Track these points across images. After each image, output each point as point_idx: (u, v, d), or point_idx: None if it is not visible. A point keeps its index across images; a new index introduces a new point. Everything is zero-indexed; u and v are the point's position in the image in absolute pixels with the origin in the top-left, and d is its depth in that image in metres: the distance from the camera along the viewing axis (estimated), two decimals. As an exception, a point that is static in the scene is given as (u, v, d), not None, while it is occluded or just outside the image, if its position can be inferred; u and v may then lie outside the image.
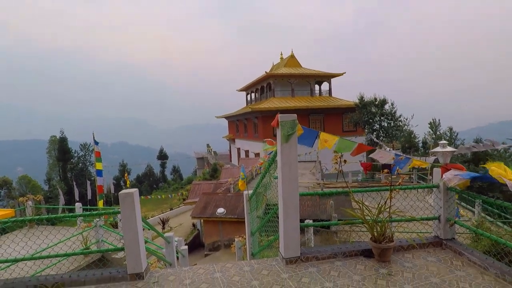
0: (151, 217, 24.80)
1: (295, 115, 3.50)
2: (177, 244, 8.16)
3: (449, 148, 3.59)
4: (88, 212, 5.79)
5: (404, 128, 28.18)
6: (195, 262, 15.30)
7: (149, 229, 5.11)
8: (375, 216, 3.40)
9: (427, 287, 2.82)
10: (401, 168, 3.43)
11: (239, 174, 5.88)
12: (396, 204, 3.53)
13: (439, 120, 30.38)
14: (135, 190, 3.44)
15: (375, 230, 3.40)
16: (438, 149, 3.64)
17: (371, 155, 3.51)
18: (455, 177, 3.14)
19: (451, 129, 28.95)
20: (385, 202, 3.47)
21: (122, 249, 3.49)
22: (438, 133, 29.11)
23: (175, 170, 61.99)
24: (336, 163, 3.51)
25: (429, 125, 30.36)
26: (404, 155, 3.56)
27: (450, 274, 3.05)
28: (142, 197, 26.60)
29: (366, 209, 3.40)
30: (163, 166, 60.71)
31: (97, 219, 7.97)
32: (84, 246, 7.61)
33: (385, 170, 3.32)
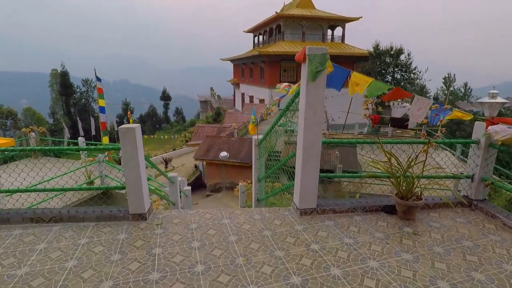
0: (154, 156, 25.08)
1: (326, 48, 2.95)
2: (180, 184, 8.08)
3: (499, 99, 3.07)
4: (87, 147, 5.51)
5: (416, 82, 26.89)
6: (197, 201, 15.72)
7: (151, 168, 4.90)
8: (404, 171, 3.05)
9: (459, 251, 2.54)
10: (443, 118, 2.98)
11: (249, 118, 5.44)
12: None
13: (454, 75, 28.86)
14: (137, 125, 3.05)
15: (402, 186, 3.07)
16: (485, 99, 3.14)
17: (412, 105, 3.04)
18: (507, 130, 2.69)
19: (466, 84, 27.59)
20: (417, 156, 3.10)
21: (124, 187, 3.22)
22: (451, 89, 27.84)
23: (178, 112, 61.64)
24: (367, 109, 3.05)
25: (444, 80, 28.94)
26: (449, 105, 3.07)
27: (483, 238, 2.76)
28: (145, 136, 26.60)
29: (396, 160, 3.02)
30: (166, 107, 60.19)
31: (100, 154, 7.79)
32: (87, 179, 7.54)
33: (425, 120, 2.87)
